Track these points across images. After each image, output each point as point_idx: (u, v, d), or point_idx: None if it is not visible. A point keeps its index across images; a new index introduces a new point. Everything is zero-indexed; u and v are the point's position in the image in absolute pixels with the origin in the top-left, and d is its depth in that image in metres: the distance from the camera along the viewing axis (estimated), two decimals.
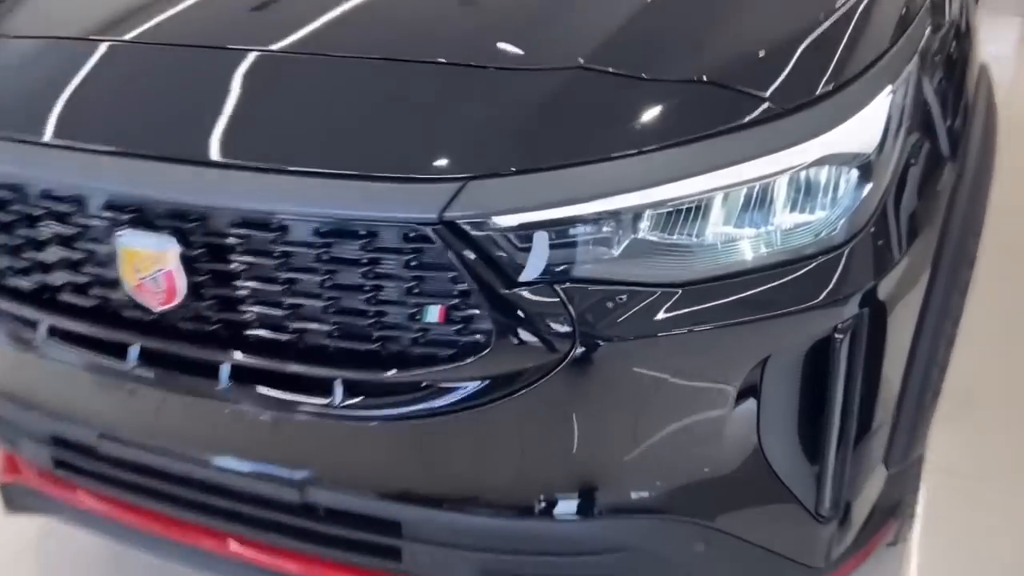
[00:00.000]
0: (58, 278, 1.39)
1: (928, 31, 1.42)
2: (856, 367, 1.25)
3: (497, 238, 1.10)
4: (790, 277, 1.17)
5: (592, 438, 1.20)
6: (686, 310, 1.14)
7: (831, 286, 1.18)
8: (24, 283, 1.42)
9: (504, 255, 1.11)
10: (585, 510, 1.24)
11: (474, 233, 1.10)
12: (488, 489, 1.26)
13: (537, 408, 1.17)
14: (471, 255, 1.10)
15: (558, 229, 1.10)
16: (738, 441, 1.24)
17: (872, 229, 1.21)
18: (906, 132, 1.29)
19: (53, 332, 1.43)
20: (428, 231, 1.10)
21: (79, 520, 1.66)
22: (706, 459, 1.25)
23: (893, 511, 1.53)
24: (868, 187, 1.21)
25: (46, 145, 1.30)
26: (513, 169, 1.10)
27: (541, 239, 1.11)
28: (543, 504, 1.24)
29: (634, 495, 1.24)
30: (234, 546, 1.47)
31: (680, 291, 1.13)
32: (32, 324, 1.45)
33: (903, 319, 1.33)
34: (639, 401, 1.19)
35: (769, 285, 1.16)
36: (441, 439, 1.24)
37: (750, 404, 1.22)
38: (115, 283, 1.31)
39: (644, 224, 1.13)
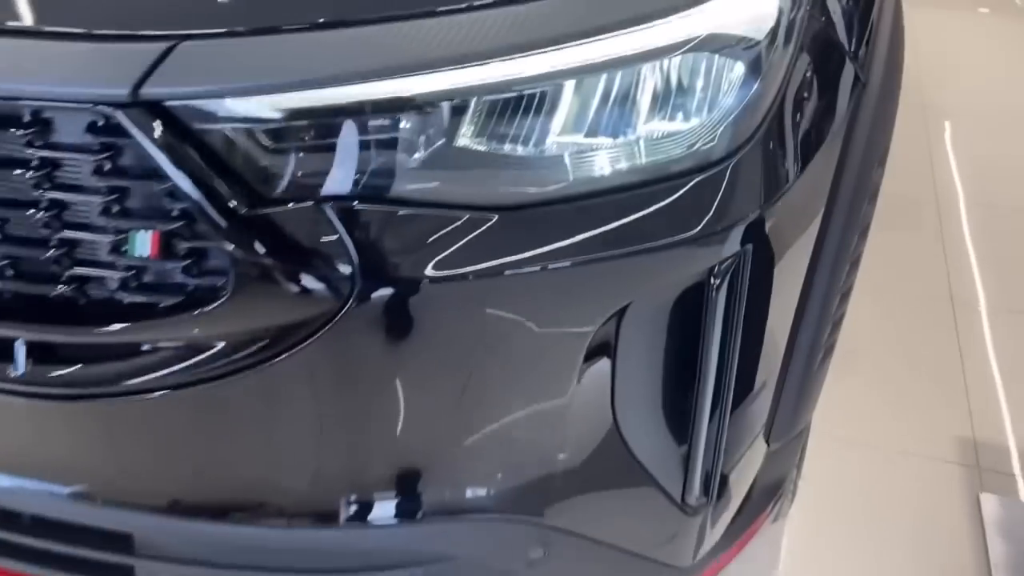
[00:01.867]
0: None
1: None
2: (734, 321, 0.97)
3: (230, 131, 0.74)
4: (656, 202, 0.86)
5: (384, 417, 0.88)
6: (515, 244, 0.81)
7: (708, 215, 0.88)
8: None
9: (244, 157, 0.76)
10: (376, 513, 0.92)
11: (191, 122, 0.73)
12: (242, 489, 0.92)
13: (299, 380, 0.84)
14: (191, 155, 0.74)
15: (328, 121, 0.75)
16: (587, 416, 0.94)
17: (760, 142, 0.91)
18: (803, 23, 0.99)
19: None
20: (119, 116, 0.73)
21: None
22: (543, 441, 0.94)
23: (773, 493, 1.28)
24: (756, 85, 0.91)
25: None
26: (254, 27, 0.74)
27: (304, 134, 0.75)
28: (316, 508, 0.91)
29: (446, 491, 0.93)
30: None
31: (507, 216, 0.81)
32: None
33: (793, 261, 1.05)
34: (449, 367, 0.87)
35: (629, 212, 0.85)
36: (171, 422, 0.89)
37: (602, 368, 0.92)
38: None
39: (458, 121, 0.80)
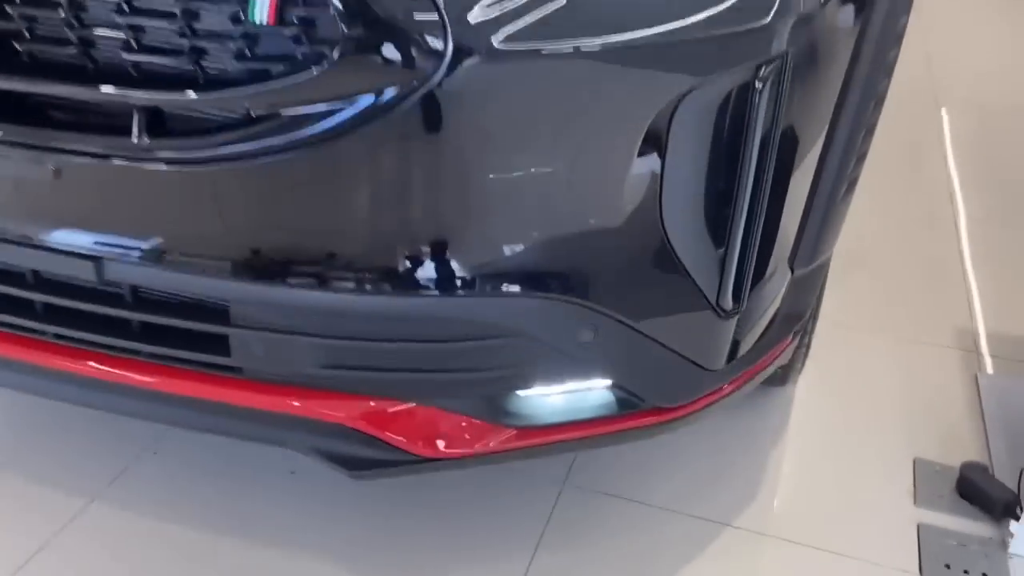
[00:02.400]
0: None
1: None
2: (774, 127, 1.07)
3: None
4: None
5: (460, 188, 0.98)
6: (588, 22, 0.91)
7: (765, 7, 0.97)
8: None
9: None
10: (448, 282, 1.02)
11: None
12: (329, 255, 1.02)
13: (391, 145, 0.94)
14: None
15: None
16: (635, 208, 1.04)
17: None
18: None
19: None
20: None
21: None
22: (597, 227, 1.05)
23: (794, 322, 1.39)
24: None
25: None
26: None
27: None
28: (397, 274, 1.01)
29: (509, 265, 1.03)
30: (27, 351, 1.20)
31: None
32: None
33: (826, 82, 1.16)
34: (522, 141, 0.97)
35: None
36: (272, 187, 0.99)
37: (653, 162, 1.02)
38: None
39: None
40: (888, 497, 1.61)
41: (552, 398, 1.18)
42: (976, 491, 1.59)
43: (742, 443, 1.72)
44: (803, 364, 1.82)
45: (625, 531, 1.51)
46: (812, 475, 1.66)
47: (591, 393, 1.18)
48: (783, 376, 1.76)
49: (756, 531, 1.53)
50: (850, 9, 1.12)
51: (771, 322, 1.31)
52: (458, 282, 1.02)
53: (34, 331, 1.17)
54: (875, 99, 1.26)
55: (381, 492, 1.57)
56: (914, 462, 1.69)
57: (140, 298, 1.11)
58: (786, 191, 1.17)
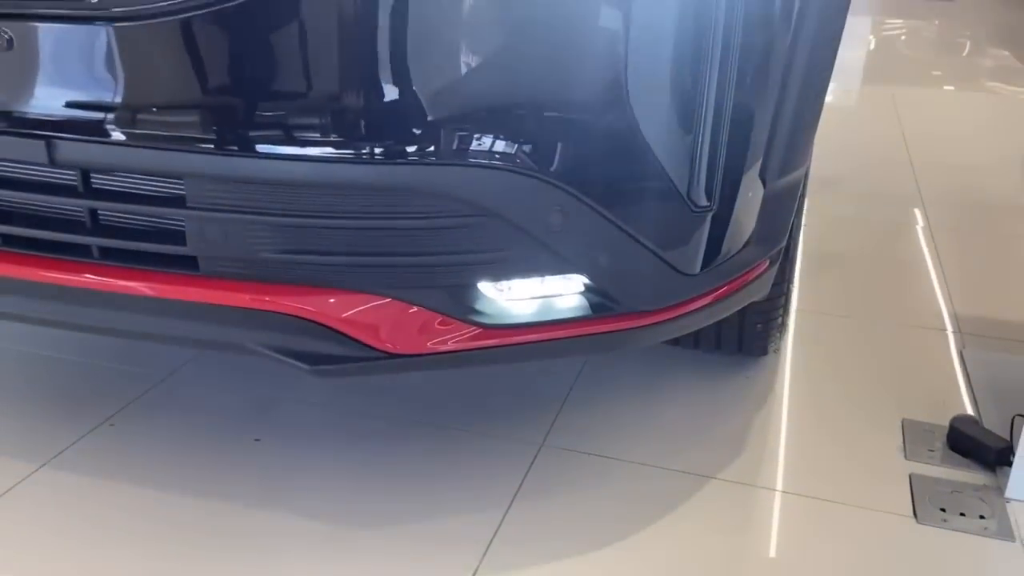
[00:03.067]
0: None
1: None
2: (742, 16, 1.07)
3: None
4: None
5: (418, 43, 0.96)
6: None
7: None
8: None
9: None
10: (407, 149, 0.99)
11: None
12: (282, 117, 0.99)
13: None
14: None
15: None
16: (600, 80, 1.03)
17: None
18: None
19: None
20: None
21: None
22: (562, 98, 1.03)
23: (771, 246, 1.36)
24: None
25: None
26: None
27: None
28: (353, 139, 0.98)
29: (472, 133, 1.01)
30: None
31: None
32: None
33: None
34: None
35: None
36: (224, 39, 0.97)
37: (618, 27, 1.01)
38: None
39: None
40: (878, 452, 1.55)
41: (522, 296, 1.13)
42: (968, 441, 1.54)
43: (725, 407, 1.67)
44: (782, 330, 1.78)
45: (605, 485, 1.44)
46: (798, 433, 1.60)
47: (563, 293, 1.14)
48: (762, 342, 1.72)
49: (743, 482, 1.46)
50: None
51: (747, 240, 1.28)
52: (418, 148, 0.99)
53: None
54: (839, 8, 1.27)
55: (353, 451, 1.50)
56: (903, 422, 1.64)
57: (92, 187, 1.07)
58: (754, 86, 1.16)
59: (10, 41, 0.99)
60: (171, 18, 0.95)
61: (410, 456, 1.49)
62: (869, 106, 4.28)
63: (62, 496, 1.37)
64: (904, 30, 6.92)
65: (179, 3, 0.94)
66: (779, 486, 1.45)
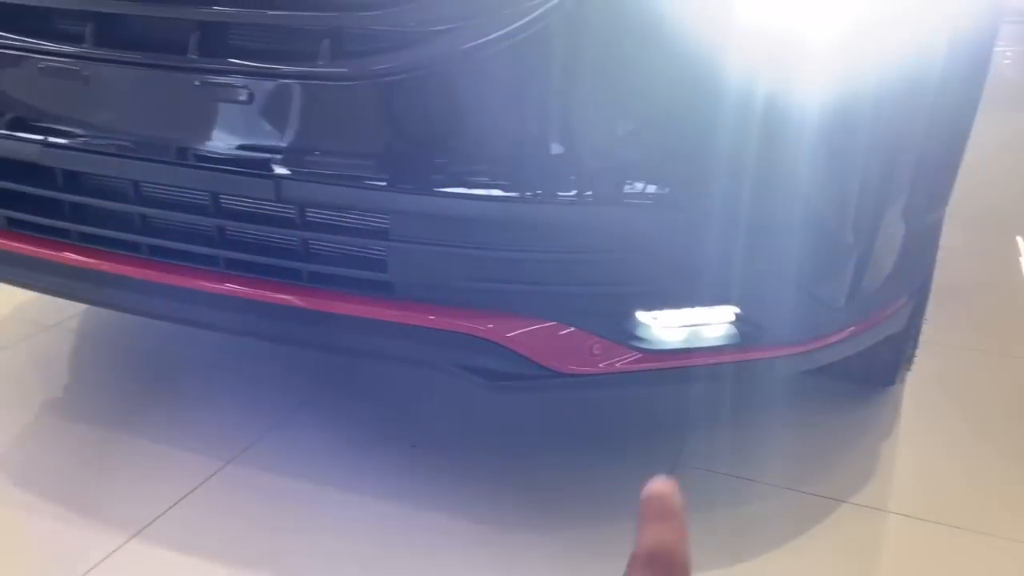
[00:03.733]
0: None
1: None
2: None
3: None
4: None
5: (590, 100, 1.09)
6: None
7: None
8: None
9: None
10: (586, 191, 1.12)
11: None
12: (474, 164, 1.13)
13: (537, 53, 1.06)
14: None
15: None
16: (758, 128, 1.13)
17: None
18: None
19: None
20: None
21: (29, 275, 1.48)
22: (716, 140, 1.13)
23: (909, 283, 1.43)
24: None
25: None
26: None
27: None
28: (533, 181, 1.11)
29: (637, 177, 1.12)
30: (209, 280, 1.31)
31: None
32: None
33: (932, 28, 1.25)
34: (645, 58, 1.07)
35: None
36: (423, 100, 1.12)
37: (774, 85, 1.12)
38: None
39: None
40: (1010, 480, 1.59)
41: (677, 324, 1.24)
42: None
43: (854, 433, 1.73)
44: (911, 361, 1.83)
45: (735, 504, 1.53)
46: (928, 460, 1.65)
47: (715, 322, 1.24)
48: (891, 372, 1.78)
49: (874, 507, 1.53)
50: None
51: (889, 276, 1.36)
52: (588, 191, 1.11)
53: (208, 259, 1.30)
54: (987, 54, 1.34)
55: (499, 459, 1.62)
56: None
57: (308, 220, 1.23)
58: (901, 130, 1.24)
59: (251, 95, 1.16)
60: (383, 79, 1.10)
61: (551, 469, 1.60)
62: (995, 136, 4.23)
63: (248, 490, 1.53)
64: (1009, 54, 6.76)
65: (388, 68, 1.09)
66: (910, 512, 1.51)
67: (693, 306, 1.23)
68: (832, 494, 1.55)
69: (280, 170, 1.18)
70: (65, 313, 2.12)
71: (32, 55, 1.25)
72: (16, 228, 1.42)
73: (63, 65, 1.23)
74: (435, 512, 1.48)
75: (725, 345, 1.25)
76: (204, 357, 1.96)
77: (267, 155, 1.19)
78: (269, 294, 1.26)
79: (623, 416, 1.78)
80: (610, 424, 1.75)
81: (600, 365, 1.22)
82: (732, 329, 1.25)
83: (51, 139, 1.29)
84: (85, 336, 2.05)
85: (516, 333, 1.21)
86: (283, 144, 1.19)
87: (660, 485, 0.46)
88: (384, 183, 1.15)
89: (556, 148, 1.11)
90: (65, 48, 1.22)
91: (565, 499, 1.53)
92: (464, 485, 1.56)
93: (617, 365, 1.22)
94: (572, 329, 1.21)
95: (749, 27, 1.06)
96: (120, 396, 1.79)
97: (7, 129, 1.32)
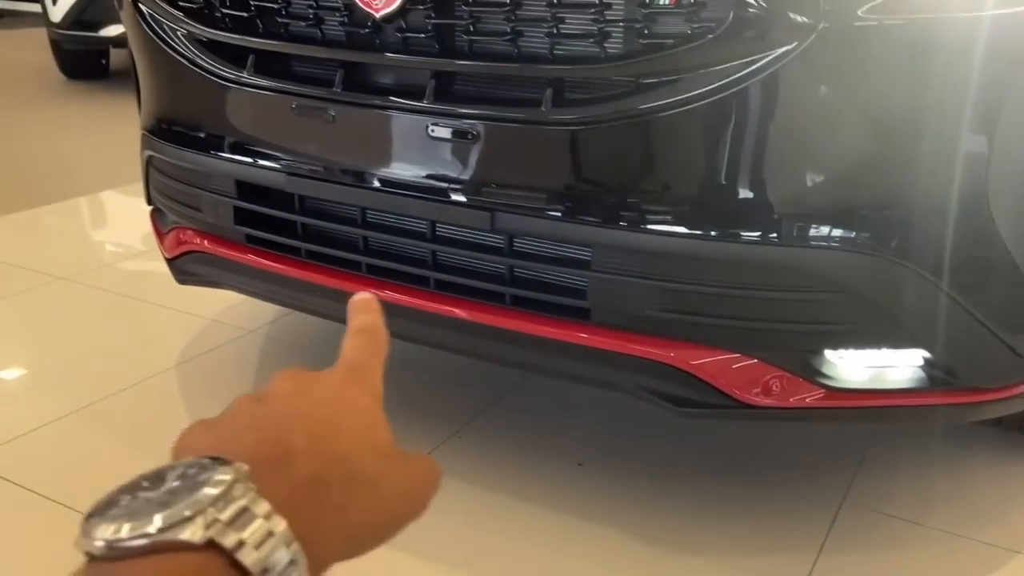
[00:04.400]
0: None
1: None
2: None
3: None
4: None
5: (803, 145, 1.16)
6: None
7: None
8: (237, 12, 1.48)
9: None
10: (787, 233, 1.18)
11: None
12: (687, 202, 1.22)
13: (754, 104, 1.14)
14: None
15: None
16: (965, 182, 1.17)
17: None
18: None
19: (260, 65, 1.47)
20: None
21: (257, 285, 1.67)
22: (927, 196, 1.18)
23: None
24: None
25: None
26: None
27: None
28: (734, 221, 1.19)
29: (843, 221, 1.18)
30: (420, 298, 1.45)
31: None
32: (239, 58, 1.49)
33: None
34: (869, 104, 1.14)
35: None
36: (646, 144, 1.22)
37: (984, 136, 1.16)
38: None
39: None
40: None
41: (865, 365, 1.28)
42: None
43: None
44: None
45: (907, 548, 1.54)
46: None
47: (903, 364, 1.28)
48: None
49: None
50: None
51: None
52: (785, 232, 1.18)
53: (420, 279, 1.44)
54: None
55: (670, 483, 1.69)
56: None
57: (515, 249, 1.35)
58: None
59: (476, 136, 1.29)
60: (598, 125, 1.21)
61: (720, 496, 1.66)
62: None
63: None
64: None
65: (603, 115, 1.20)
66: None
67: (883, 348, 1.27)
68: (1007, 544, 1.54)
69: (496, 203, 1.31)
70: (264, 319, 2.34)
71: (287, 96, 1.43)
72: (253, 244, 1.60)
73: (314, 105, 1.40)
74: (610, 529, 1.57)
75: (912, 388, 1.28)
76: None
77: (485, 189, 1.32)
78: (474, 314, 1.39)
79: (796, 449, 1.81)
80: (783, 456, 1.79)
81: (786, 399, 1.28)
82: (921, 373, 1.28)
83: (296, 169, 1.46)
84: (282, 341, 2.26)
85: (703, 362, 1.28)
86: (501, 180, 1.31)
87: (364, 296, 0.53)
88: (590, 218, 1.26)
89: (754, 191, 1.19)
90: (317, 91, 1.40)
91: (735, 525, 1.58)
92: (634, 505, 1.64)
93: (803, 400, 1.28)
94: (759, 362, 1.27)
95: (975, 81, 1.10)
96: None
97: (258, 159, 1.51)
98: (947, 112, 1.14)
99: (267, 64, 1.47)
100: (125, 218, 3.34)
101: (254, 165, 1.52)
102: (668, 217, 1.23)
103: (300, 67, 1.46)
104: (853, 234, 1.18)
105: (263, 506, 0.39)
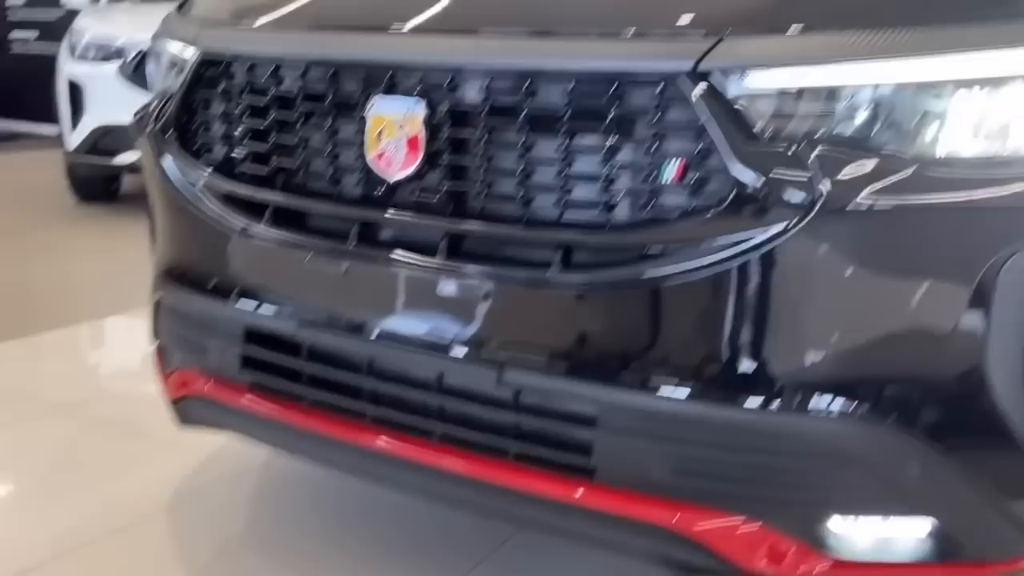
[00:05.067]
0: (295, 159, 1.49)
1: None
2: None
3: (743, 95, 1.16)
4: None
5: (813, 317, 1.19)
6: (922, 187, 1.14)
7: None
8: (257, 168, 1.54)
9: (748, 112, 1.16)
10: (788, 401, 1.20)
11: (723, 86, 1.15)
12: (691, 367, 1.23)
13: (751, 276, 1.17)
14: (717, 108, 1.15)
15: (811, 90, 1.15)
16: (965, 359, 1.19)
17: None
18: None
19: (276, 218, 1.52)
20: (680, 82, 1.16)
21: (260, 430, 1.67)
22: (931, 371, 1.20)
23: None
24: None
25: (328, 29, 1.47)
26: (765, 31, 1.17)
27: (785, 99, 1.15)
28: (746, 389, 1.21)
29: (848, 392, 1.20)
30: (433, 454, 1.44)
31: (923, 165, 1.14)
32: (256, 210, 1.54)
33: None
34: (867, 281, 1.17)
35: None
36: (651, 310, 1.25)
37: (981, 314, 1.19)
38: (354, 159, 1.41)
39: (884, 100, 1.16)
40: None
41: (873, 533, 1.27)
42: None
43: None
44: None
45: None
46: None
47: (911, 534, 1.27)
48: None
49: None
50: None
51: None
52: (791, 401, 1.20)
53: (425, 432, 1.44)
54: None
55: None
56: None
57: (521, 403, 1.36)
58: None
59: (486, 294, 1.33)
60: (605, 289, 1.25)
61: None
62: None
63: None
64: None
65: (610, 279, 1.24)
66: None
67: (889, 516, 1.26)
68: None
69: (504, 359, 1.32)
70: (265, 454, 2.32)
71: (301, 249, 1.48)
72: (258, 390, 1.61)
73: (328, 259, 1.44)
74: None
75: (919, 560, 1.27)
76: (385, 512, 2.09)
77: (493, 345, 1.34)
78: (477, 468, 1.39)
79: None
80: None
81: (793, 568, 1.26)
82: (927, 543, 1.27)
83: (307, 319, 1.49)
84: (286, 477, 2.23)
85: (707, 527, 1.27)
86: (510, 337, 1.34)
87: None
88: (596, 378, 1.28)
89: (755, 360, 1.21)
90: (331, 245, 1.44)
91: None
92: None
93: (811, 570, 1.26)
94: (764, 527, 1.26)
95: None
96: (305, 539, 1.93)
97: (269, 308, 1.54)
98: (944, 289, 1.17)
99: (284, 217, 1.52)
100: (129, 345, 3.35)
101: (265, 314, 1.55)
102: (672, 381, 1.24)
103: (316, 222, 1.51)
104: (853, 405, 1.20)
105: None
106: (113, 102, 4.73)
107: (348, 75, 1.41)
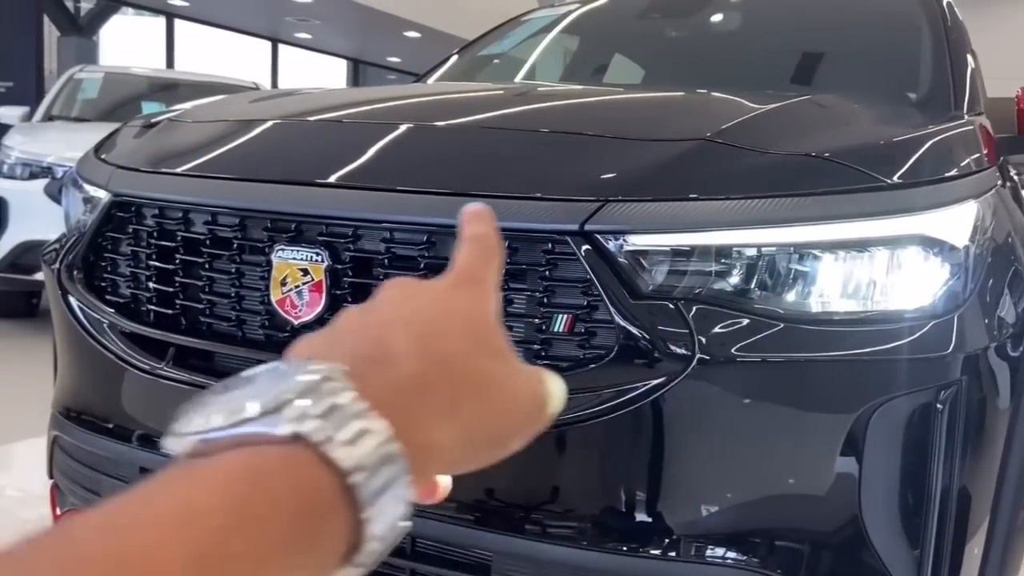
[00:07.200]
0: (200, 301, 1.51)
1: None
2: (955, 447, 1.28)
3: (626, 253, 1.23)
4: (892, 331, 1.25)
5: (696, 466, 1.23)
6: (795, 343, 1.21)
7: (940, 341, 1.25)
8: (162, 309, 1.55)
9: (631, 269, 1.22)
10: (668, 547, 1.23)
11: (607, 245, 1.22)
12: (579, 515, 1.26)
13: (638, 425, 1.22)
14: (603, 265, 1.22)
15: (684, 250, 1.23)
16: (838, 504, 1.24)
17: (966, 310, 1.30)
18: (991, 242, 1.41)
19: (180, 358, 1.52)
20: (569, 240, 1.22)
21: None
22: (804, 514, 1.25)
23: None
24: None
25: (237, 179, 1.51)
26: (646, 197, 1.25)
27: (666, 258, 1.23)
28: (628, 536, 1.24)
29: (723, 541, 1.23)
30: None
31: (789, 325, 1.22)
32: (160, 350, 1.54)
33: (997, 416, 1.37)
34: (746, 432, 1.22)
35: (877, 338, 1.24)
36: (546, 458, 1.27)
37: (851, 460, 1.24)
38: (258, 302, 1.43)
39: (758, 261, 1.24)
40: None
41: None
42: None
43: None
44: None
45: None
46: None
47: None
48: None
49: None
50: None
51: None
52: (669, 548, 1.23)
53: None
54: None
55: None
56: None
57: (417, 551, 1.35)
58: (969, 507, 1.33)
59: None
60: None
61: None
62: None
63: None
64: None
65: None
66: None
67: None
68: None
69: None
70: None
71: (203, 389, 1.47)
72: None
73: None
74: None
75: None
76: None
77: None
78: None
79: None
80: None
81: None
82: None
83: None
84: None
85: None
86: None
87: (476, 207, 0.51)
88: (491, 525, 1.29)
89: (644, 507, 1.24)
90: None
91: None
92: None
93: None
94: None
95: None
96: None
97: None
98: (817, 439, 1.23)
99: (187, 358, 1.52)
100: (36, 471, 3.22)
101: (162, 454, 1.52)
102: (568, 529, 1.26)
103: (219, 362, 1.51)
104: (744, 555, 1.23)
105: (359, 404, 0.38)
106: (37, 219, 4.69)
107: (253, 223, 1.45)
